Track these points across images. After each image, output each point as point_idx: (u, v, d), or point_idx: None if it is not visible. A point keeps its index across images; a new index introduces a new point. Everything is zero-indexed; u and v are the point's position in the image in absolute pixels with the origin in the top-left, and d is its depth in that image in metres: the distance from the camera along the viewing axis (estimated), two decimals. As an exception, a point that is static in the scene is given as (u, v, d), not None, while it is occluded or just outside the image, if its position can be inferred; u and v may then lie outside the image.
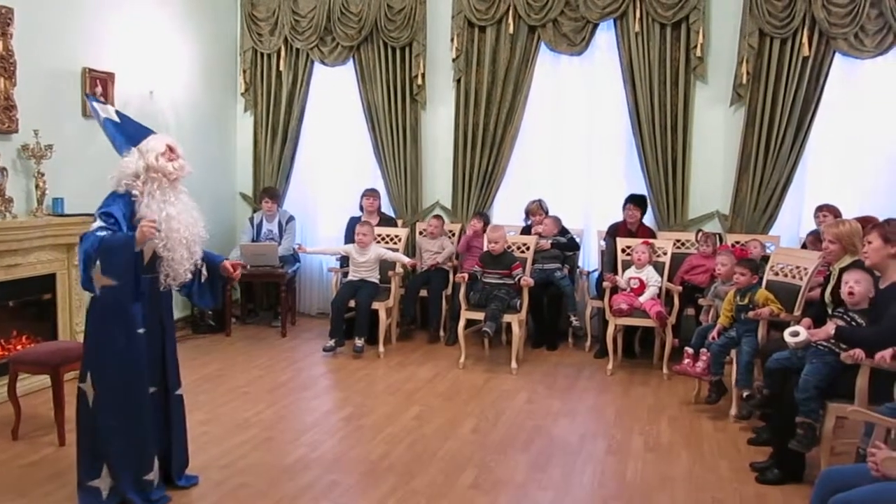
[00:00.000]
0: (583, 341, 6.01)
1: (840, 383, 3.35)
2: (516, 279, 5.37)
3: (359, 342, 5.53)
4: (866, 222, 3.78)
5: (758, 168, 5.83)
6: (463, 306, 5.39)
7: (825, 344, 3.42)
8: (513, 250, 5.63)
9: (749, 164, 5.85)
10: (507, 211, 6.52)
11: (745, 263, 4.44)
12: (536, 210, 6.05)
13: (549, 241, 5.87)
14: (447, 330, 6.10)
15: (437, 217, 6.39)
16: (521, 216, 6.23)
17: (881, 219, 3.80)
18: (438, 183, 6.68)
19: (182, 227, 2.99)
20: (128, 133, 3.03)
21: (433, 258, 6.21)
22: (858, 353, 3.20)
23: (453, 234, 6.48)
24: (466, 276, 5.45)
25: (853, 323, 3.40)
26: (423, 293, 6.19)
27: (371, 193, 6.36)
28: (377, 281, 5.80)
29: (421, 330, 6.41)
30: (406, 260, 5.79)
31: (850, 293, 3.41)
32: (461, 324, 5.36)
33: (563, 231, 6.02)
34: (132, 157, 2.95)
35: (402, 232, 6.18)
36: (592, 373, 5.31)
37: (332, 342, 5.55)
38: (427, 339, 6.13)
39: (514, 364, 5.27)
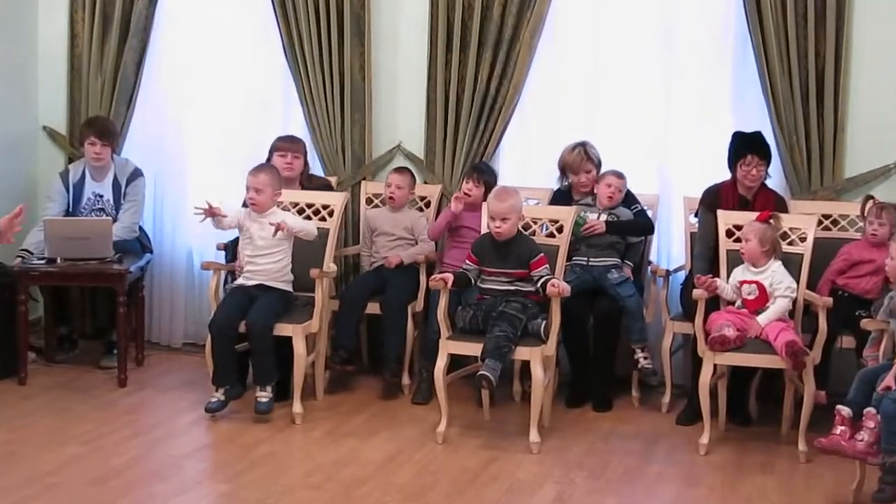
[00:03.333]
0: (656, 394, 6.05)
1: None
2: (539, 284, 5.34)
3: (263, 396, 5.52)
4: None
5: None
6: (443, 332, 5.40)
7: None
8: (533, 232, 5.64)
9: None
10: (520, 165, 6.62)
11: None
12: (581, 163, 5.97)
13: (603, 218, 5.86)
14: (415, 375, 6.13)
15: (402, 171, 6.36)
16: (550, 174, 6.22)
17: None
18: (400, 114, 6.71)
19: None
20: None
21: (392, 246, 6.14)
22: None
23: (427, 206, 6.48)
24: (450, 278, 5.41)
25: None
26: (374, 308, 6.15)
27: (288, 147, 6.20)
28: (287, 287, 5.76)
29: (368, 374, 6.42)
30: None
31: None
32: (440, 364, 5.33)
33: (629, 199, 6.02)
34: None
35: (336, 199, 6.07)
36: (673, 449, 5.38)
37: (219, 394, 5.53)
38: (380, 392, 6.14)
39: (534, 435, 5.26)
